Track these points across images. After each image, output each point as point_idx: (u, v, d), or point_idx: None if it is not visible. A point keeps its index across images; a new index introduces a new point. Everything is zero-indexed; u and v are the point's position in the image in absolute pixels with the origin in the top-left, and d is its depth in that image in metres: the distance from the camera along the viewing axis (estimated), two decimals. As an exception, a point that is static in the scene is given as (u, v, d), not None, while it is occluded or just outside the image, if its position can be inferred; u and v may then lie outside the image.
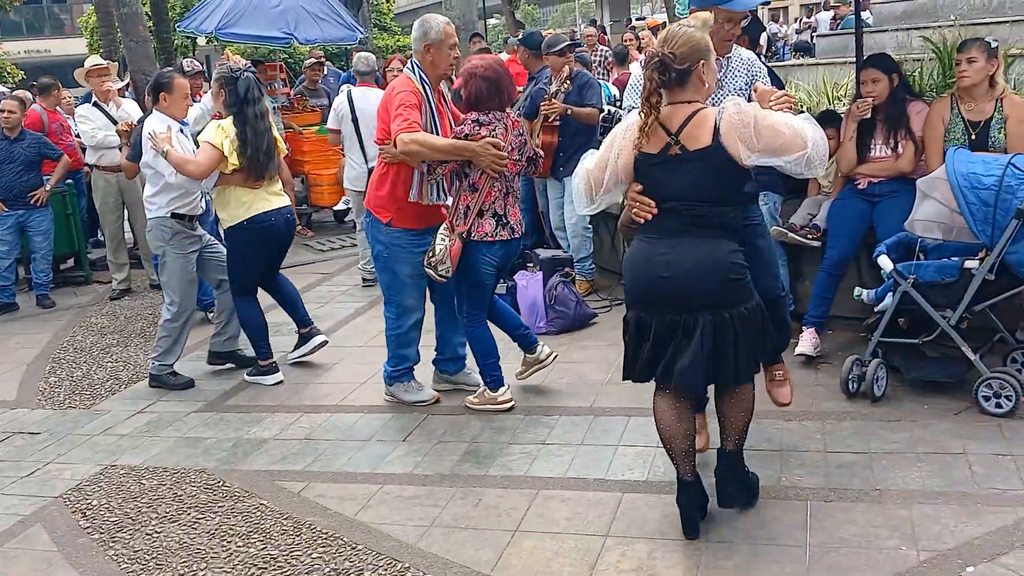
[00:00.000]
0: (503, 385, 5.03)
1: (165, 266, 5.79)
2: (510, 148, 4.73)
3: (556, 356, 5.27)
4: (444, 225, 4.83)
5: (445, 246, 4.74)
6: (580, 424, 4.72)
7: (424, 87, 4.81)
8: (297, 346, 6.14)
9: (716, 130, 3.31)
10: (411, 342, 5.19)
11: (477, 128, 4.67)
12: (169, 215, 5.70)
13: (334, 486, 4.30)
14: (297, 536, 3.87)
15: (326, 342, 6.15)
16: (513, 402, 5.02)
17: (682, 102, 3.42)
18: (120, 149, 7.55)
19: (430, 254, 4.79)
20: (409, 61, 5.03)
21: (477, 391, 5.11)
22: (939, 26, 8.05)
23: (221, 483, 4.45)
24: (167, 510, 4.22)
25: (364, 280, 7.96)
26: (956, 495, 3.69)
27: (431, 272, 4.81)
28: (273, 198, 5.69)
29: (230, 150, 5.44)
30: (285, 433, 4.98)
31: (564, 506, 3.92)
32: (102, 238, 9.47)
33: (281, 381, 5.80)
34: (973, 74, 4.93)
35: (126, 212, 8.37)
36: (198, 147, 5.60)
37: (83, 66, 8.47)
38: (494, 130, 4.68)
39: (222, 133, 5.47)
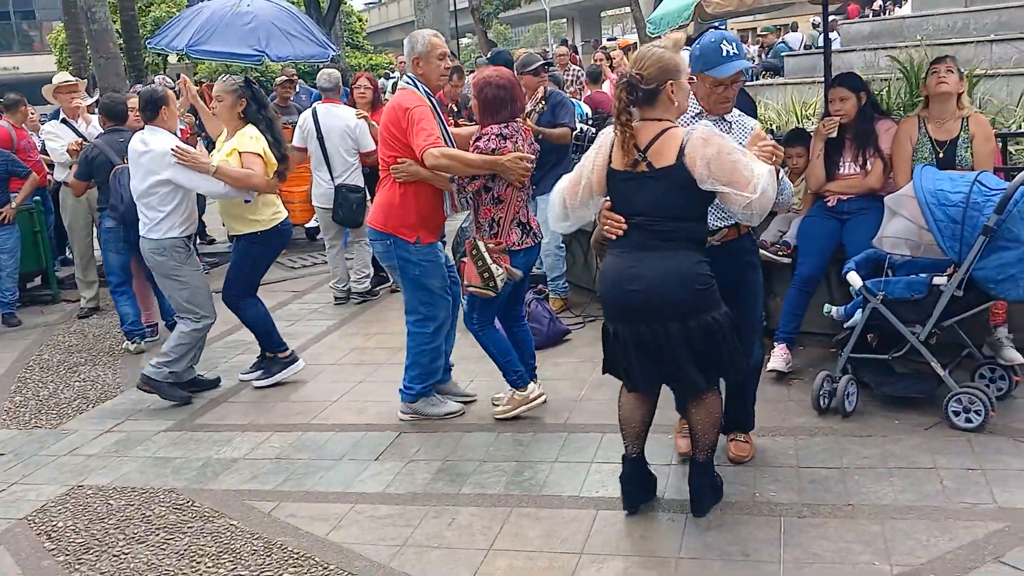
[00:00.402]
0: (529, 381, 5.04)
1: (186, 285, 5.68)
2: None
3: (544, 399, 5.13)
4: (480, 242, 4.75)
5: (490, 262, 4.69)
6: (554, 441, 4.71)
7: (429, 99, 4.86)
8: (255, 367, 6.14)
9: (681, 150, 3.43)
10: (440, 355, 5.21)
11: (503, 142, 4.70)
12: (180, 236, 5.63)
13: (305, 505, 4.26)
14: (268, 556, 3.82)
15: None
16: (545, 395, 5.07)
17: (652, 120, 3.52)
18: (71, 167, 7.53)
19: (485, 275, 4.71)
20: (405, 75, 5.06)
21: (502, 399, 5.11)
22: (905, 46, 8.19)
23: (190, 503, 4.39)
24: (135, 531, 4.16)
25: (336, 299, 7.92)
26: (928, 510, 3.71)
27: (478, 290, 4.75)
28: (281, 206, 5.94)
29: (268, 155, 5.59)
30: (256, 452, 4.93)
31: (538, 524, 3.90)
32: (70, 256, 9.37)
33: (304, 365, 6.04)
34: (952, 82, 5.01)
35: (95, 230, 8.29)
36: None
37: (51, 83, 8.40)
38: (515, 141, 4.73)
39: (258, 142, 5.59)
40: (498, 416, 5.03)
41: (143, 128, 5.76)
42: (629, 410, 3.84)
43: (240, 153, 5.54)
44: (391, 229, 4.92)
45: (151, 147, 5.52)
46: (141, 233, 5.67)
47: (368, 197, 7.55)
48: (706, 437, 3.74)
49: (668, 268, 3.48)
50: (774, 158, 3.52)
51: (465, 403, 5.29)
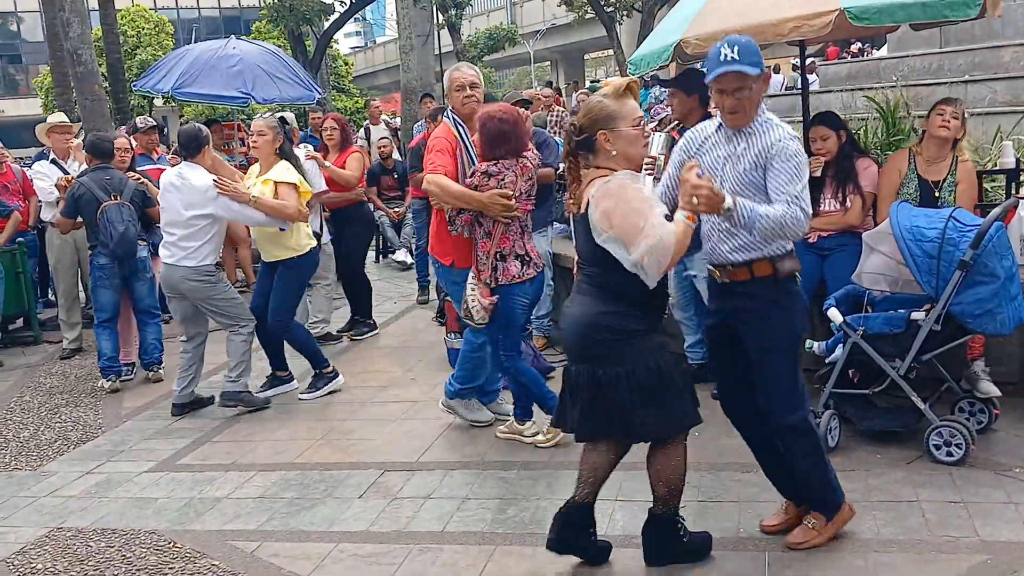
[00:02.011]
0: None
1: (225, 301, 6.15)
2: (519, 194, 4.89)
3: (538, 440, 5.16)
4: (471, 274, 5.00)
5: (475, 295, 4.92)
6: (538, 479, 4.70)
7: (459, 130, 5.13)
8: (268, 386, 6.48)
9: (590, 199, 3.46)
10: (483, 368, 5.40)
11: (486, 180, 4.83)
12: (214, 262, 6.11)
13: (288, 545, 4.23)
14: (250, 596, 3.79)
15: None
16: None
17: (594, 167, 3.55)
18: (57, 203, 7.58)
19: (464, 305, 4.97)
20: (447, 110, 5.42)
21: (529, 425, 5.25)
22: (882, 87, 8.32)
23: (172, 544, 4.35)
24: (115, 573, 4.12)
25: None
26: (911, 543, 3.72)
27: (468, 321, 5.00)
28: None
29: (304, 185, 6.13)
30: (239, 492, 4.89)
31: (523, 562, 3.88)
32: (52, 298, 9.34)
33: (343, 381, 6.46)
34: (954, 128, 5.11)
35: (79, 270, 8.28)
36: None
37: (47, 122, 8.44)
38: (503, 179, 4.82)
39: (292, 173, 6.12)
40: (541, 445, 5.11)
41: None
42: (583, 455, 3.78)
43: (276, 183, 6.03)
44: (434, 253, 5.36)
45: (191, 182, 5.93)
46: (173, 262, 6.02)
47: (330, 239, 7.65)
48: (657, 489, 3.66)
49: (576, 312, 3.58)
50: (695, 199, 3.27)
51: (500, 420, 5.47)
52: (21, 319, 9.11)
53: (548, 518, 4.20)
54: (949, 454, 4.38)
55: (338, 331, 8.04)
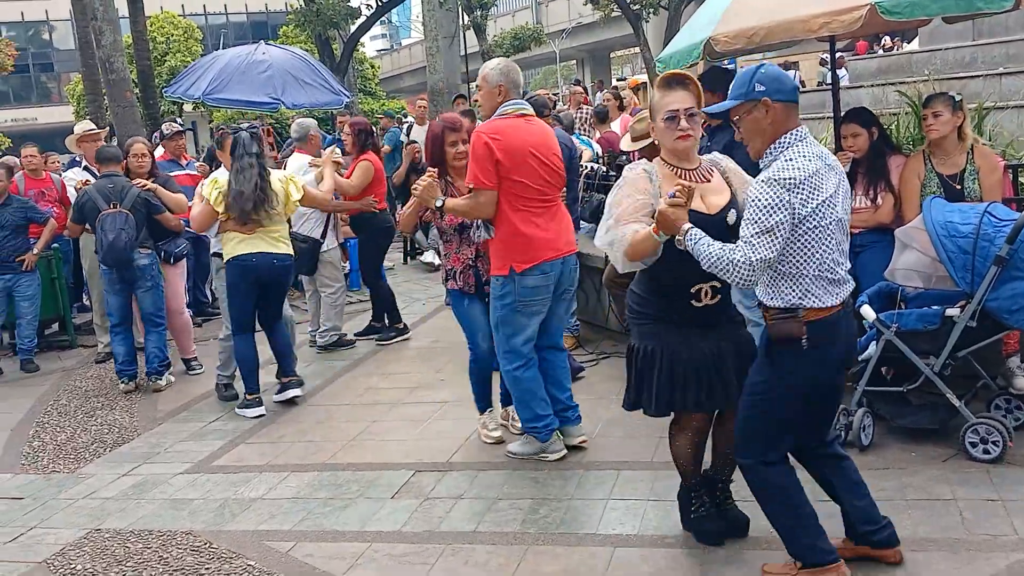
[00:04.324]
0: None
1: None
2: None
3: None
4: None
5: None
6: (570, 478, 4.70)
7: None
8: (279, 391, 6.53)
9: None
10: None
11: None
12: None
13: (323, 545, 4.26)
14: (285, 596, 3.83)
15: (298, 396, 6.43)
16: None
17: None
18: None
19: None
20: None
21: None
22: (914, 81, 8.24)
23: (208, 544, 4.40)
24: (152, 573, 4.17)
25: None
26: (947, 541, 3.68)
27: None
28: (263, 243, 6.11)
29: (217, 200, 6.07)
30: (273, 492, 4.94)
31: (555, 561, 3.89)
32: (86, 303, 9.46)
33: (262, 415, 6.22)
34: (940, 127, 5.05)
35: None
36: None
37: (74, 132, 8.55)
38: None
39: (213, 185, 6.17)
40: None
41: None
42: None
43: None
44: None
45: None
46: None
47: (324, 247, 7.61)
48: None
49: None
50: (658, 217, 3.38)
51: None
52: (57, 323, 9.24)
53: (580, 518, 4.23)
54: (986, 451, 4.33)
55: (355, 334, 8.09)
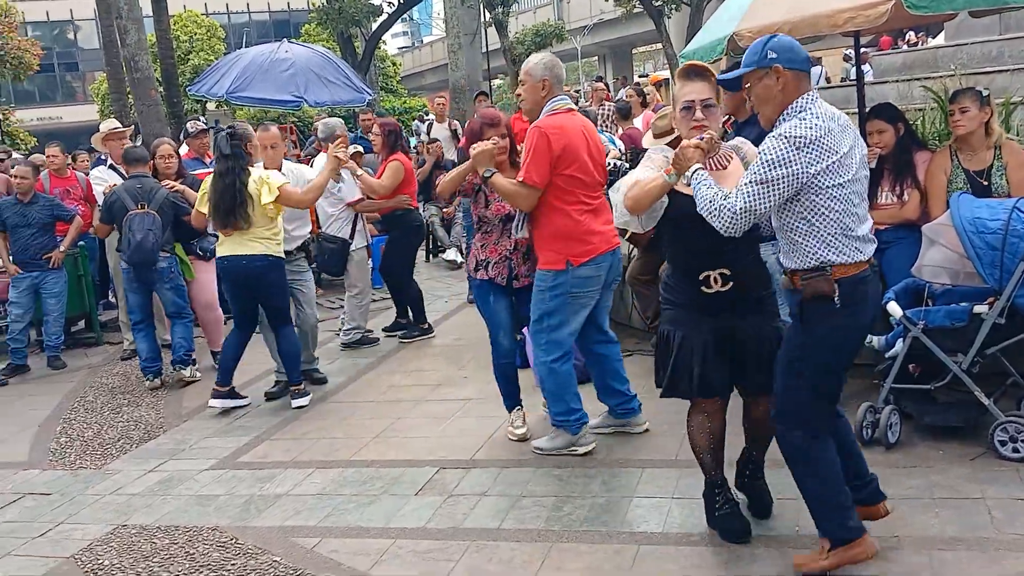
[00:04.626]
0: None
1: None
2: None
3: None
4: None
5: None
6: (594, 476, 4.69)
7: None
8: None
9: None
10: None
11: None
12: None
13: (347, 541, 4.28)
14: (311, 592, 3.84)
15: (303, 405, 6.38)
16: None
17: None
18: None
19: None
20: None
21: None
22: (940, 76, 8.16)
23: (234, 540, 4.42)
24: (179, 569, 4.20)
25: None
26: (976, 540, 3.65)
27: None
28: (235, 245, 6.16)
29: (202, 200, 6.27)
30: (298, 489, 4.96)
31: (580, 558, 3.88)
32: (112, 300, 9.54)
33: (225, 409, 6.38)
34: (967, 122, 5.01)
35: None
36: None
37: (99, 131, 8.62)
38: None
39: (203, 185, 6.33)
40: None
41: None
42: None
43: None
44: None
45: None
46: None
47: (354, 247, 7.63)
48: None
49: None
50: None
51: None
52: (83, 321, 9.32)
53: (604, 515, 4.22)
54: (1015, 450, 4.28)
55: (384, 330, 8.11)
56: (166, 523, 4.72)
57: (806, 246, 3.32)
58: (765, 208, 3.26)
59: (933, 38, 16.87)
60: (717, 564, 3.70)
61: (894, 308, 4.62)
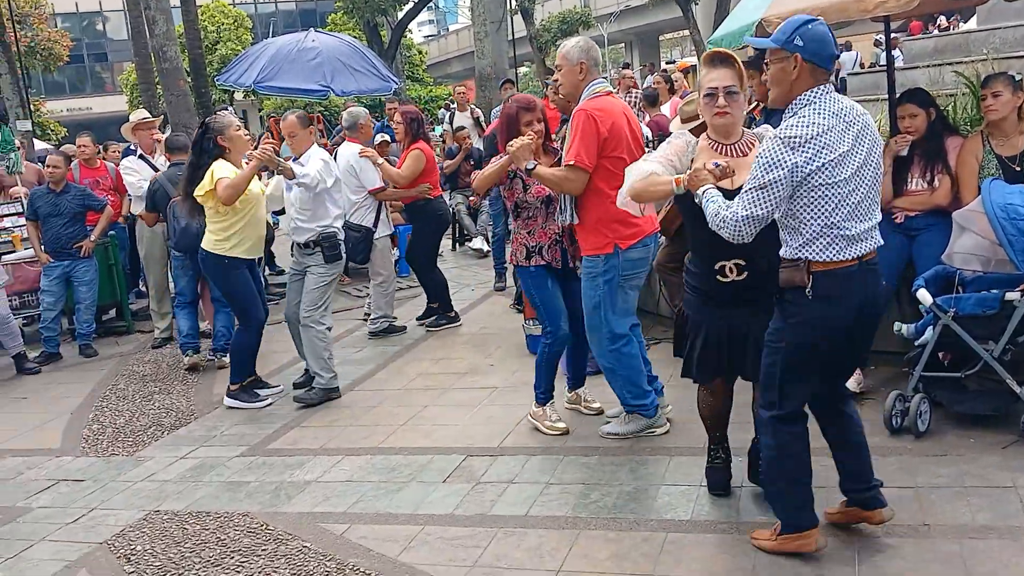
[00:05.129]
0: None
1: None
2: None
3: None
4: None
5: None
6: (623, 464, 4.69)
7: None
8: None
9: None
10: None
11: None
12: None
13: (376, 527, 4.31)
14: (340, 578, 3.88)
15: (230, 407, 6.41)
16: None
17: None
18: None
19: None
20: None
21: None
22: (971, 61, 8.05)
23: (264, 526, 4.47)
24: (211, 555, 4.25)
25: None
26: (1008, 529, 3.62)
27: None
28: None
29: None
30: (327, 475, 5.00)
31: (608, 546, 3.89)
32: (143, 289, 9.64)
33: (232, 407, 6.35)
34: (1000, 107, 4.95)
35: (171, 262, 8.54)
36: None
37: (129, 120, 8.71)
38: None
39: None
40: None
41: None
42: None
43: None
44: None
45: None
46: None
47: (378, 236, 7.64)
48: None
49: None
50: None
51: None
52: (114, 309, 9.43)
53: (632, 503, 4.23)
54: (1047, 438, 4.25)
55: (417, 319, 8.13)
56: (197, 509, 4.78)
57: (788, 239, 3.38)
58: (766, 212, 3.26)
59: (965, 22, 16.66)
60: (745, 553, 3.69)
61: (924, 295, 4.58)
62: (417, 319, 8.14)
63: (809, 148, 3.20)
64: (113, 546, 4.45)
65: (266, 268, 10.53)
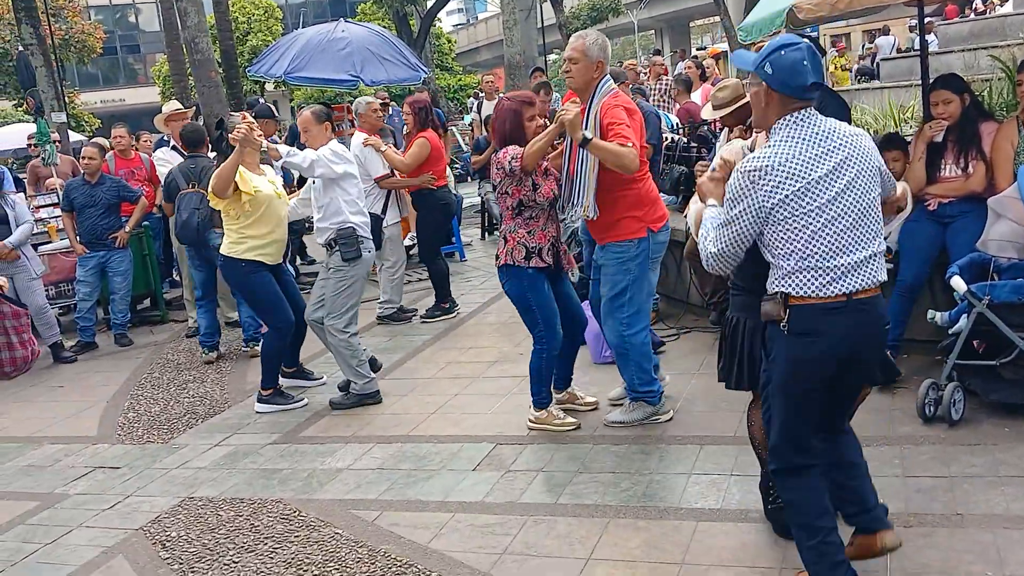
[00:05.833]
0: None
1: None
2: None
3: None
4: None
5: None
6: (651, 453, 4.70)
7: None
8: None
9: None
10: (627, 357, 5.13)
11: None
12: None
13: (407, 514, 4.35)
14: (372, 564, 3.91)
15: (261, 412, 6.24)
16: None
17: None
18: None
19: None
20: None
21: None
22: (1008, 45, 7.94)
23: (297, 513, 4.52)
24: (244, 540, 4.30)
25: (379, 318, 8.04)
26: (1042, 519, 3.59)
27: None
28: None
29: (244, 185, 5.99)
30: (358, 463, 5.04)
31: (637, 534, 3.89)
32: (177, 278, 9.75)
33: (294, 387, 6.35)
34: None
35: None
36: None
37: (162, 112, 8.79)
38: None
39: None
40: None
41: None
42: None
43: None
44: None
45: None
46: None
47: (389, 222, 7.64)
48: None
49: None
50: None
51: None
52: (148, 299, 9.54)
53: (661, 492, 4.23)
54: (1084, 428, 4.19)
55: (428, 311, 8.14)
56: (231, 496, 4.84)
57: (772, 272, 3.13)
58: (736, 248, 3.10)
59: (1002, 6, 16.39)
60: (775, 542, 3.68)
61: (958, 283, 4.53)
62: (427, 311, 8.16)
63: (769, 180, 2.98)
64: (149, 532, 4.52)
65: (297, 258, 10.62)
